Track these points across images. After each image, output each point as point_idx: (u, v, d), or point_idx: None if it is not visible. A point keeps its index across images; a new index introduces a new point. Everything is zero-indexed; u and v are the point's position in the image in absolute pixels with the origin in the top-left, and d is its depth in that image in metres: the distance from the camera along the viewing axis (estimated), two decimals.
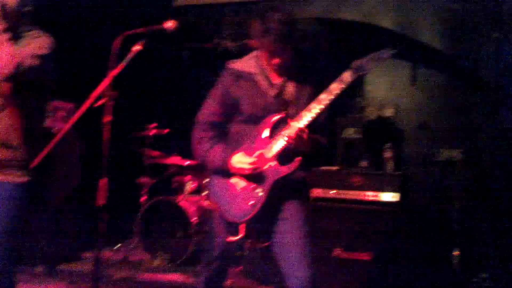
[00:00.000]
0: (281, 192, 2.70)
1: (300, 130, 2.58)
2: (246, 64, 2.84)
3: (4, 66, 2.55)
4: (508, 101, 4.51)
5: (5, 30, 2.65)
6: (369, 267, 4.36)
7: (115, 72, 2.61)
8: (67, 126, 2.59)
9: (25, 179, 2.68)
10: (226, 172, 2.76)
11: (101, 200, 2.61)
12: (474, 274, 4.52)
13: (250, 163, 2.68)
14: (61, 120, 4.83)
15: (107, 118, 2.61)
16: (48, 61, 2.69)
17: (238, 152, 2.74)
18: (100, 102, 2.58)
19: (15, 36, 2.69)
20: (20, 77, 2.59)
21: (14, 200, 2.67)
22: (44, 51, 2.68)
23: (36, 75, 2.66)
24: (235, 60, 2.90)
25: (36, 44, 2.69)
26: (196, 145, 2.88)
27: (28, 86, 2.67)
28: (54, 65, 2.75)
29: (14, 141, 2.67)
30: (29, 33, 2.75)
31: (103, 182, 2.61)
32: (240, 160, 2.70)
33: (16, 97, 2.64)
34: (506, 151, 4.55)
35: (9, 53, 2.58)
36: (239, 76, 2.81)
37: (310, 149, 2.68)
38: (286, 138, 2.59)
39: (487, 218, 4.73)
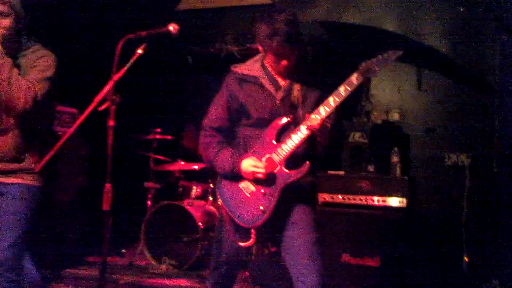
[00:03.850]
0: (290, 196, 2.67)
1: (324, 120, 2.55)
2: (250, 67, 2.82)
3: (24, 102, 2.65)
4: None
5: (6, 54, 2.71)
6: (377, 273, 4.32)
7: (118, 76, 2.59)
8: (71, 130, 2.60)
9: (36, 183, 2.82)
10: (236, 176, 2.73)
11: (105, 206, 2.59)
12: (484, 280, 4.46)
13: (262, 167, 2.64)
14: (66, 124, 4.83)
15: (111, 122, 2.59)
16: (54, 80, 2.76)
17: (248, 156, 2.71)
18: (103, 106, 2.57)
19: (16, 56, 2.73)
20: (36, 106, 2.69)
21: (29, 201, 2.80)
22: (51, 72, 2.75)
23: (47, 97, 2.76)
24: (238, 64, 2.88)
25: (41, 66, 2.80)
26: (203, 151, 2.86)
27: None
28: (58, 80, 2.81)
29: (24, 155, 2.81)
30: (30, 49, 2.81)
31: (108, 187, 2.59)
32: (252, 164, 2.67)
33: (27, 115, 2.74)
34: None
35: (23, 88, 2.66)
36: (244, 80, 2.79)
37: (328, 142, 2.66)
38: (308, 129, 2.55)
39: (496, 223, 4.67)
